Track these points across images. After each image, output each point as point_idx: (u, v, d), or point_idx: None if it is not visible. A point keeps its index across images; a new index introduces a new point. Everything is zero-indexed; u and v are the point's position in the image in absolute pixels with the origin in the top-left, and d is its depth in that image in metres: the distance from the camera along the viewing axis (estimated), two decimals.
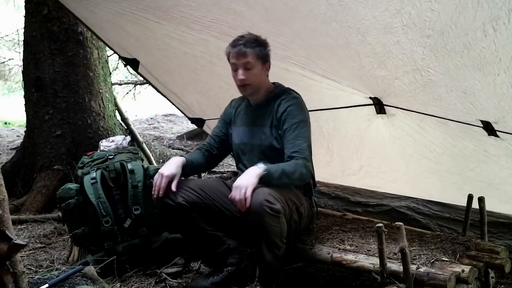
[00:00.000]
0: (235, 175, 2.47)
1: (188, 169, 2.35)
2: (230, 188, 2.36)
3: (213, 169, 4.65)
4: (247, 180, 2.05)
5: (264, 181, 2.08)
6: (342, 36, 1.96)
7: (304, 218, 2.34)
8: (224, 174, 4.39)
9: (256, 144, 2.37)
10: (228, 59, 2.30)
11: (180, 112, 3.96)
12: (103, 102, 4.24)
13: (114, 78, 6.79)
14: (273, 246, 2.13)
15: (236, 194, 2.03)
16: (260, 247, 2.13)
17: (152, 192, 2.22)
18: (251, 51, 2.23)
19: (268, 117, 2.36)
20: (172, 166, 2.25)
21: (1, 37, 7.77)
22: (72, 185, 2.69)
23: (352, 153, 3.04)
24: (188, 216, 2.21)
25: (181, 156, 2.36)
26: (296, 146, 2.21)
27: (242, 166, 2.42)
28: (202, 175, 3.56)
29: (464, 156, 2.50)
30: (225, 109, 2.59)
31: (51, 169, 3.99)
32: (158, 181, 2.20)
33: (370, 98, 2.60)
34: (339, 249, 2.22)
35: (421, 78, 1.99)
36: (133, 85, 8.02)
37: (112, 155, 2.74)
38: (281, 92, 2.38)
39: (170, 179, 2.21)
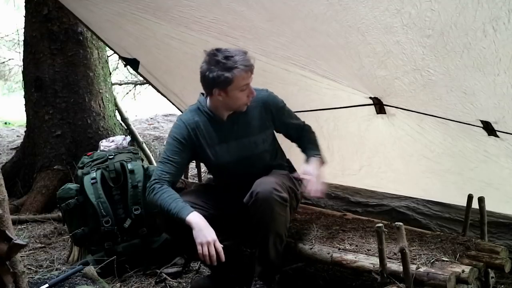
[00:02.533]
0: None
1: None
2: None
3: None
4: (320, 176, 2.17)
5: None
6: (342, 36, 1.96)
7: (296, 208, 2.39)
8: None
9: (247, 156, 2.29)
10: (234, 84, 2.10)
11: (180, 112, 3.96)
12: (103, 102, 4.24)
13: (114, 78, 6.77)
14: (277, 239, 2.13)
15: (313, 183, 2.13)
16: (265, 242, 2.13)
17: (209, 262, 2.07)
18: None
19: (250, 125, 2.29)
20: (209, 229, 2.06)
21: (1, 37, 7.76)
22: (72, 185, 2.70)
23: (352, 153, 3.04)
24: None
25: (193, 211, 2.10)
26: (298, 125, 2.45)
27: (234, 181, 2.34)
28: (202, 176, 3.56)
29: (464, 156, 2.50)
30: (176, 133, 2.27)
31: (51, 169, 3.99)
32: (212, 251, 2.03)
33: (370, 98, 2.60)
34: (339, 249, 2.22)
35: (421, 78, 1.99)
36: (133, 85, 8.00)
37: (112, 155, 2.74)
38: None
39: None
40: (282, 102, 2.38)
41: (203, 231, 2.04)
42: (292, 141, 2.51)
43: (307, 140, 2.44)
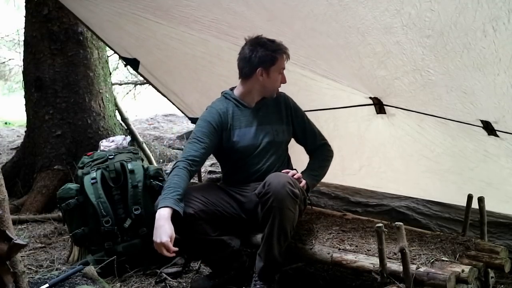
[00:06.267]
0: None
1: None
2: (226, 191, 2.39)
3: (213, 170, 4.67)
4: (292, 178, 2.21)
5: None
6: (342, 36, 1.96)
7: (302, 212, 2.36)
8: None
9: (267, 142, 2.40)
10: (277, 64, 2.31)
11: (180, 112, 3.96)
12: (103, 102, 4.24)
13: (114, 78, 6.78)
14: (282, 234, 2.12)
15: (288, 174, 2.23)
16: (271, 236, 2.12)
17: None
18: None
19: (273, 115, 2.44)
20: (164, 229, 2.02)
21: (1, 37, 7.77)
22: (72, 185, 2.69)
23: (352, 153, 3.04)
24: (195, 223, 2.20)
25: (165, 206, 2.06)
26: (318, 135, 2.57)
27: (250, 165, 2.39)
28: (202, 176, 3.56)
29: (464, 156, 2.50)
30: (206, 116, 2.37)
31: (51, 169, 3.99)
32: (160, 251, 2.03)
33: (370, 98, 2.60)
34: (339, 249, 2.22)
35: (421, 78, 1.99)
36: (133, 85, 8.01)
37: (112, 155, 2.74)
38: None
39: (170, 241, 2.03)
40: (296, 104, 2.56)
41: (158, 230, 2.03)
42: (307, 151, 2.58)
43: (317, 159, 2.53)
